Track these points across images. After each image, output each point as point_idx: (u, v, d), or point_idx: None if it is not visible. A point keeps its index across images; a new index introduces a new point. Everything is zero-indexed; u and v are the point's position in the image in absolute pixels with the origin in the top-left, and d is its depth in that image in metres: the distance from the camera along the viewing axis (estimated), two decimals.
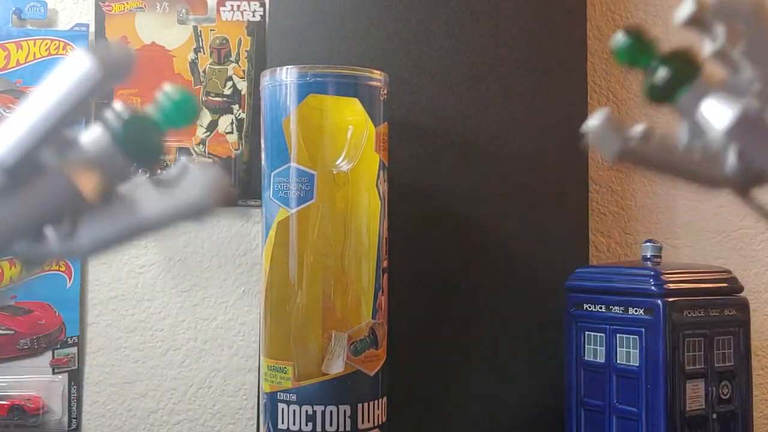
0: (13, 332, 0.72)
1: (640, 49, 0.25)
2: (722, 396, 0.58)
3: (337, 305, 0.56)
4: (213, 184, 0.26)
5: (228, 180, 0.29)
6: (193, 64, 0.74)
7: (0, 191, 0.25)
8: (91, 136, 0.26)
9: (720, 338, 0.58)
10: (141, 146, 0.26)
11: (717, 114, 0.23)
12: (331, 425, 0.55)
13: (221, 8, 0.74)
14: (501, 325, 0.70)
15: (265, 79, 0.59)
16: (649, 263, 0.62)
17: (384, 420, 0.59)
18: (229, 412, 0.75)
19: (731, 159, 0.24)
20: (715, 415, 0.57)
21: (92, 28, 0.74)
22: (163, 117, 0.26)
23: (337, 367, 0.56)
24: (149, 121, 0.26)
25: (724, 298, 0.59)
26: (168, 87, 0.27)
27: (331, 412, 0.55)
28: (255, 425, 0.73)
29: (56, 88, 0.26)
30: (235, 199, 0.74)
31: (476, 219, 0.71)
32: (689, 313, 0.57)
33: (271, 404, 0.57)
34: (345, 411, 0.56)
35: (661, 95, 0.24)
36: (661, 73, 0.25)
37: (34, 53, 0.73)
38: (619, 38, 0.25)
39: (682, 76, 0.24)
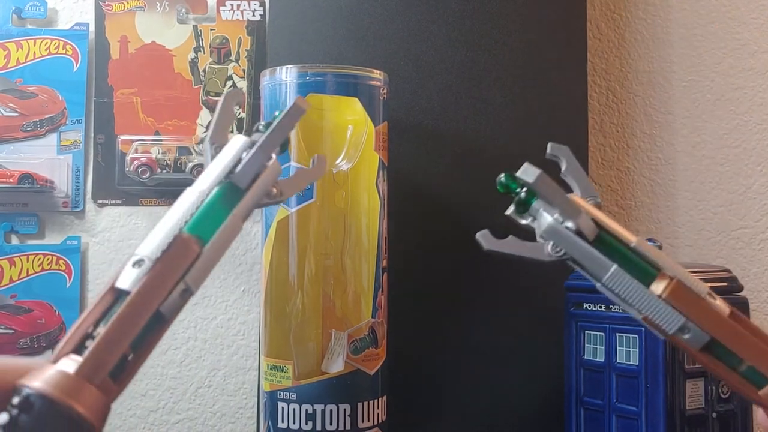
0: (13, 331, 0.72)
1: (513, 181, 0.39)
2: (722, 395, 0.58)
3: (337, 304, 0.56)
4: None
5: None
6: (193, 63, 0.74)
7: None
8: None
9: None
10: None
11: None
12: (331, 424, 0.55)
13: (221, 8, 0.74)
14: (501, 325, 0.70)
15: (265, 79, 0.59)
16: None
17: (384, 419, 0.59)
18: (229, 411, 0.75)
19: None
20: (714, 415, 0.57)
21: (92, 28, 0.74)
22: None
23: (336, 366, 0.56)
24: None
25: (724, 298, 0.59)
26: None
27: (331, 410, 0.55)
28: (255, 424, 0.73)
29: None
30: None
31: (476, 218, 0.70)
32: None
33: (271, 403, 0.57)
34: (345, 410, 0.56)
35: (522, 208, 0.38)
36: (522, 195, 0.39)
37: (34, 52, 0.73)
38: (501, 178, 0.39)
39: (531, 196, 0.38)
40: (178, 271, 0.33)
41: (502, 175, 0.40)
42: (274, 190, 0.37)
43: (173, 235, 0.33)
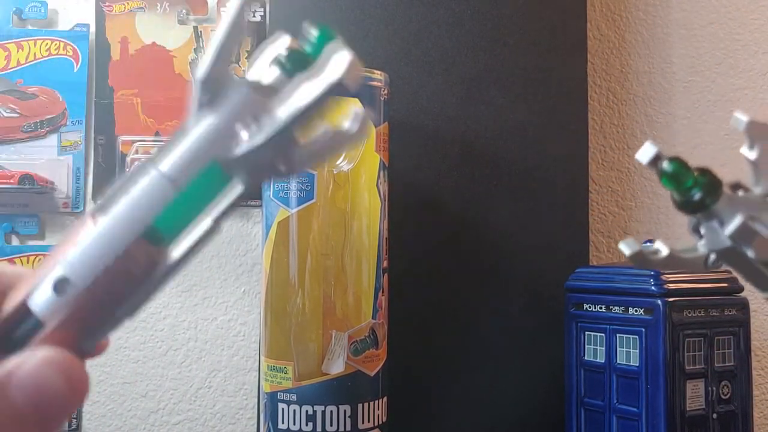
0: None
1: (684, 174, 0.31)
2: (722, 396, 0.58)
3: (338, 305, 0.56)
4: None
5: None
6: (194, 64, 0.74)
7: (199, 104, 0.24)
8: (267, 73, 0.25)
9: (720, 338, 0.58)
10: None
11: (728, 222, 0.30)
12: (331, 425, 0.55)
13: (222, 8, 0.74)
14: (501, 325, 0.70)
15: None
16: None
17: (384, 420, 0.59)
18: (230, 412, 0.75)
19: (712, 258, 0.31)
20: (715, 415, 0.57)
21: (93, 28, 0.74)
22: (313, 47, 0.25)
23: (337, 367, 0.56)
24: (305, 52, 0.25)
25: (724, 298, 0.59)
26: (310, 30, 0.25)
27: (331, 412, 0.55)
28: (255, 425, 0.73)
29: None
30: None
31: (476, 219, 0.71)
32: (689, 313, 0.57)
33: (271, 404, 0.57)
34: (345, 411, 0.56)
35: (695, 208, 0.31)
36: (696, 194, 0.31)
37: (35, 53, 0.73)
38: (666, 165, 0.31)
39: (712, 195, 0.31)
40: (113, 299, 0.23)
41: (668, 162, 0.31)
42: (282, 166, 0.24)
43: (123, 247, 0.23)
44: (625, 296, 0.58)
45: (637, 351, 0.57)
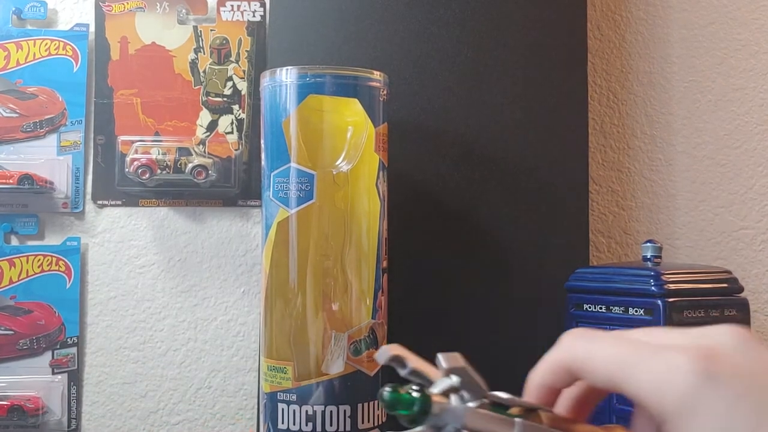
0: (12, 332, 0.72)
1: (399, 402, 0.32)
2: None
3: (338, 305, 0.56)
4: None
5: None
6: (193, 64, 0.74)
7: None
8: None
9: None
10: None
11: None
12: (331, 425, 0.55)
13: (221, 8, 0.74)
14: (501, 325, 0.70)
15: (265, 80, 0.59)
16: (649, 263, 0.62)
17: (384, 420, 0.58)
18: (229, 413, 0.75)
19: None
20: None
21: (92, 28, 0.74)
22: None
23: (337, 367, 0.56)
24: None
25: (724, 299, 0.59)
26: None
27: (331, 412, 0.55)
28: (255, 425, 0.73)
29: None
30: (235, 199, 0.74)
31: (476, 219, 0.71)
32: (689, 313, 0.57)
33: (271, 404, 0.57)
34: (345, 411, 0.56)
35: (411, 424, 0.32)
36: (404, 417, 0.32)
37: (34, 53, 0.73)
38: (386, 395, 0.32)
39: (423, 414, 0.32)
40: None
41: (387, 389, 0.32)
42: None
43: None
44: (625, 296, 0.58)
45: None
